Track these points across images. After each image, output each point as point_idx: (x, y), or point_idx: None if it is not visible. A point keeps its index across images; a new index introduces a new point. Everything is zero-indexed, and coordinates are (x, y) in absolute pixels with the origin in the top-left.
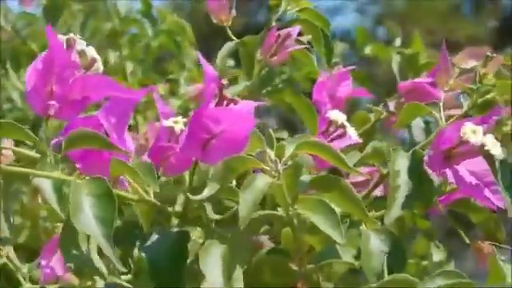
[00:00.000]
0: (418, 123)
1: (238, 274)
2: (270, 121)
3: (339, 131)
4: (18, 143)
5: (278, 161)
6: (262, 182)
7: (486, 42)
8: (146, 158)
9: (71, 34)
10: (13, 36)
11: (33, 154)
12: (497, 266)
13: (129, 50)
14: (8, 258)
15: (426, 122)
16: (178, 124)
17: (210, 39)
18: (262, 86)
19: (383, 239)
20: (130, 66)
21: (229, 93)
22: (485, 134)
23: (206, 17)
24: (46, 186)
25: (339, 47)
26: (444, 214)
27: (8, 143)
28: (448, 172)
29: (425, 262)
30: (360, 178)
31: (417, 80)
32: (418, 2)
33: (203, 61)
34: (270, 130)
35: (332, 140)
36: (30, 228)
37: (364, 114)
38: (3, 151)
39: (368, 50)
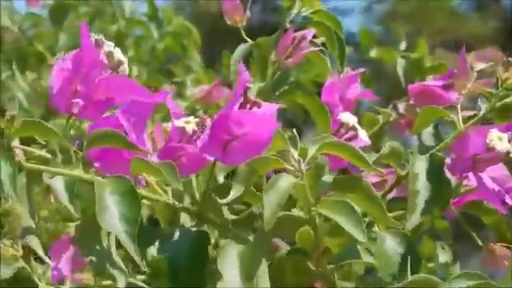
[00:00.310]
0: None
1: (264, 274)
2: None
3: (350, 133)
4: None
5: (302, 161)
6: (285, 182)
7: (493, 42)
8: (155, 158)
9: (99, 35)
10: (19, 37)
11: (43, 153)
12: None
13: (134, 52)
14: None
15: (435, 126)
16: (190, 124)
17: (212, 40)
18: (276, 87)
19: (398, 241)
20: (135, 68)
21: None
22: (510, 141)
23: (207, 18)
24: (59, 185)
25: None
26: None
27: (15, 143)
28: (471, 177)
29: (431, 264)
30: (375, 179)
31: (427, 83)
32: (425, 2)
33: (240, 66)
34: (294, 130)
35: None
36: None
37: (372, 116)
38: (16, 150)
39: (373, 53)
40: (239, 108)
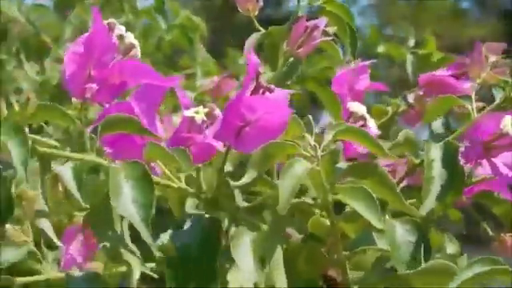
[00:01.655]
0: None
1: (279, 262)
2: None
3: (359, 123)
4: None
5: (318, 146)
6: (301, 167)
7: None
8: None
9: (111, 19)
10: (25, 28)
11: (51, 142)
12: None
13: (141, 44)
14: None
15: (446, 117)
16: (199, 114)
17: (218, 33)
18: (287, 76)
19: (408, 229)
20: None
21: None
22: None
23: (213, 11)
24: (67, 173)
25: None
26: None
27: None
28: (485, 163)
29: (438, 255)
30: (388, 166)
31: (436, 72)
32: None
33: (248, 49)
34: (310, 116)
35: None
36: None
37: (381, 107)
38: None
39: (381, 49)
40: (251, 93)
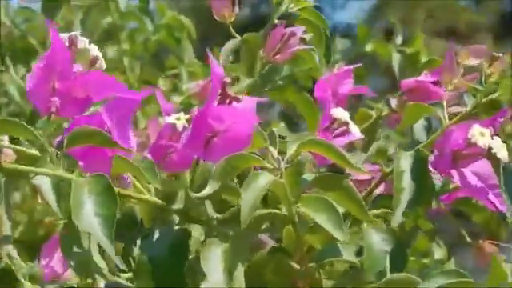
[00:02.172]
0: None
1: (239, 273)
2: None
3: (342, 128)
4: (15, 141)
5: (281, 159)
6: (263, 180)
7: (489, 31)
8: (146, 154)
9: (73, 32)
10: (12, 31)
11: (33, 151)
12: (498, 265)
13: (128, 45)
14: (9, 256)
15: (428, 120)
16: (180, 121)
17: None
18: (264, 83)
19: (385, 238)
20: (128, 61)
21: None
22: (492, 136)
23: (207, 13)
24: (46, 185)
25: (340, 44)
26: (447, 212)
27: (5, 141)
28: (454, 173)
29: (426, 260)
30: (363, 176)
31: (419, 78)
32: None
33: (212, 59)
34: (274, 129)
35: (335, 137)
36: (27, 223)
37: (365, 111)
38: (4, 149)
39: (369, 47)
40: (218, 103)
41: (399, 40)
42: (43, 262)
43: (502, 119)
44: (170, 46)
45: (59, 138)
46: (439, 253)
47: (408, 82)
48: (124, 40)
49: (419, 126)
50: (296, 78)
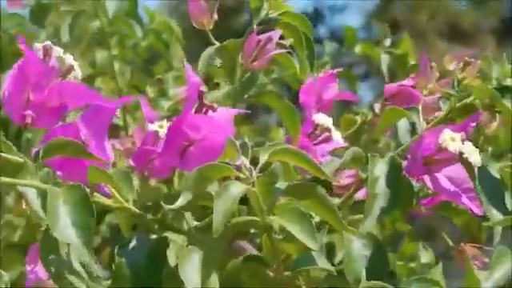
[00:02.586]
0: (403, 125)
1: (214, 281)
2: (272, 118)
3: (325, 135)
4: None
5: (253, 168)
6: (235, 190)
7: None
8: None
9: (47, 42)
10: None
11: (18, 159)
12: (471, 272)
13: (118, 51)
14: None
15: (413, 124)
16: (163, 128)
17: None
18: (244, 90)
19: (365, 243)
20: (118, 67)
21: (211, 98)
22: (463, 141)
23: None
24: (30, 191)
25: (329, 47)
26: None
27: None
28: (426, 178)
29: (413, 264)
30: (345, 182)
31: (402, 83)
32: None
33: (188, 68)
34: (245, 138)
35: (318, 143)
36: (25, 226)
37: (350, 117)
38: None
39: (357, 49)
40: (195, 112)
41: (388, 42)
42: (28, 268)
43: (475, 124)
44: (159, 49)
45: (36, 149)
46: (426, 257)
47: (391, 86)
48: (113, 45)
49: (403, 131)
50: (284, 80)
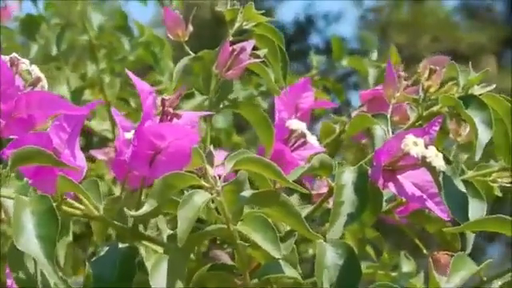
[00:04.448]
0: (379, 132)
1: None
2: None
3: (301, 140)
4: None
5: (218, 177)
6: (199, 199)
7: (488, 51)
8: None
9: (13, 54)
10: None
11: None
12: (433, 275)
13: (106, 63)
14: None
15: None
16: None
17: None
18: (219, 100)
19: (339, 252)
20: (107, 79)
21: (185, 107)
22: (427, 145)
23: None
24: (8, 202)
25: (315, 60)
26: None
27: None
28: (390, 184)
29: (394, 273)
30: (324, 190)
31: (377, 88)
32: (423, 9)
33: (134, 77)
34: (211, 147)
35: (295, 149)
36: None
37: (329, 125)
38: None
39: (345, 62)
40: (160, 120)
41: (375, 55)
42: (8, 283)
43: (437, 128)
44: (148, 62)
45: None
46: (407, 266)
47: (366, 92)
48: (101, 58)
49: (379, 138)
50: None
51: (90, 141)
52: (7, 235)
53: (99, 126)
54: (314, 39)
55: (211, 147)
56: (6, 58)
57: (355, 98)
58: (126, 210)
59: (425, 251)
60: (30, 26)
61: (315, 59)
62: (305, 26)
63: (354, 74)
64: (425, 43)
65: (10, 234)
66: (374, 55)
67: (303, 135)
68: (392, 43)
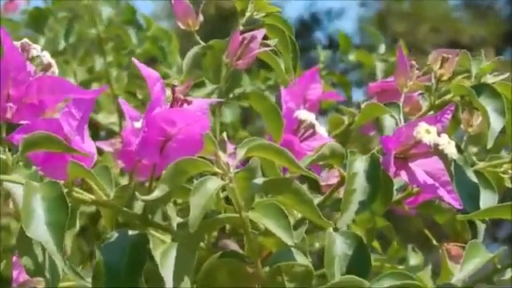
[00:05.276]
0: (389, 123)
1: (187, 278)
2: None
3: (309, 131)
4: None
5: (231, 163)
6: (212, 185)
7: (489, 45)
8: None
9: (25, 39)
10: None
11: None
12: (446, 264)
13: (114, 57)
14: None
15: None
16: None
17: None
18: (229, 90)
19: (349, 242)
20: (114, 73)
21: (195, 96)
22: (439, 133)
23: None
24: (18, 190)
25: (323, 54)
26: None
27: None
28: (402, 172)
29: (401, 267)
30: (333, 181)
31: (387, 80)
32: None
33: (140, 65)
34: (224, 133)
35: (304, 139)
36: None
37: (338, 117)
38: None
39: (352, 57)
40: (170, 107)
41: (382, 49)
42: (15, 265)
43: (449, 116)
44: (155, 56)
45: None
46: (415, 259)
47: (375, 85)
48: (109, 51)
49: (389, 128)
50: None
51: (97, 134)
52: (10, 229)
53: (106, 119)
54: (317, 36)
55: (224, 134)
56: (17, 43)
57: (356, 95)
58: (137, 194)
59: (434, 242)
60: (38, 19)
61: (322, 54)
62: (309, 23)
63: (354, 71)
64: (423, 34)
65: (13, 228)
66: (382, 49)
67: (312, 126)
68: (390, 32)
